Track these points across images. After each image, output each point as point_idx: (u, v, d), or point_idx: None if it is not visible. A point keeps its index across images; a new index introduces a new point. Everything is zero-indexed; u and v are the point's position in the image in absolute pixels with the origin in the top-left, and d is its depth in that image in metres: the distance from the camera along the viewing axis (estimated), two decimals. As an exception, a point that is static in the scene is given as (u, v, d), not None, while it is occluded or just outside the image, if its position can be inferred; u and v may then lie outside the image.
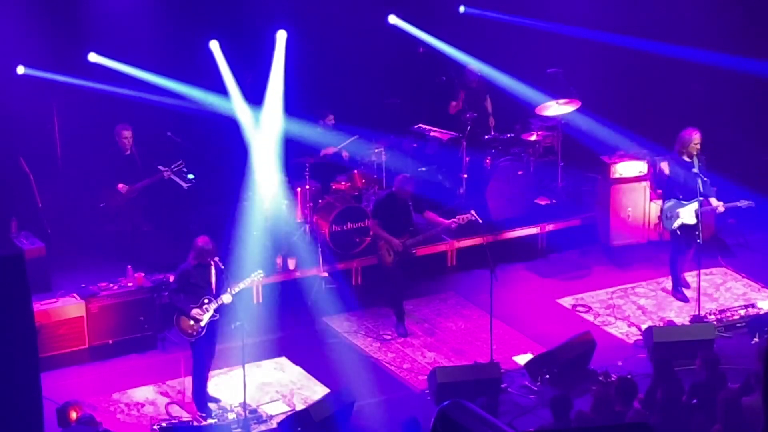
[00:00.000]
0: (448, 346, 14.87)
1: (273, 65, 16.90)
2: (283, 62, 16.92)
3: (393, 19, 17.88)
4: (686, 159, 15.09)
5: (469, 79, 18.01)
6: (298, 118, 17.09)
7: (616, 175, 16.98)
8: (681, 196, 15.17)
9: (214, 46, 16.90)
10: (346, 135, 16.91)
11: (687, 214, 15.23)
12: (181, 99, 16.96)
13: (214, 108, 16.96)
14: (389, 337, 15.05)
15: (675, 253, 15.65)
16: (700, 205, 15.11)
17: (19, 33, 16.58)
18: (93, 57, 16.77)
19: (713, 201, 15.18)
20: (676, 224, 15.28)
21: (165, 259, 15.43)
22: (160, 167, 16.29)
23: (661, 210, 15.54)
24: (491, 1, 18.58)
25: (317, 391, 13.89)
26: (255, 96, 16.97)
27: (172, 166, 16.27)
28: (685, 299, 15.60)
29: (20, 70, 16.32)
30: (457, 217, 14.88)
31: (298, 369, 14.40)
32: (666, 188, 15.46)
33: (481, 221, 14.93)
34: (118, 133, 16.31)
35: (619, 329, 15.15)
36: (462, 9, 18.55)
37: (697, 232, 15.00)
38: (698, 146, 15.04)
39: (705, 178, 15.03)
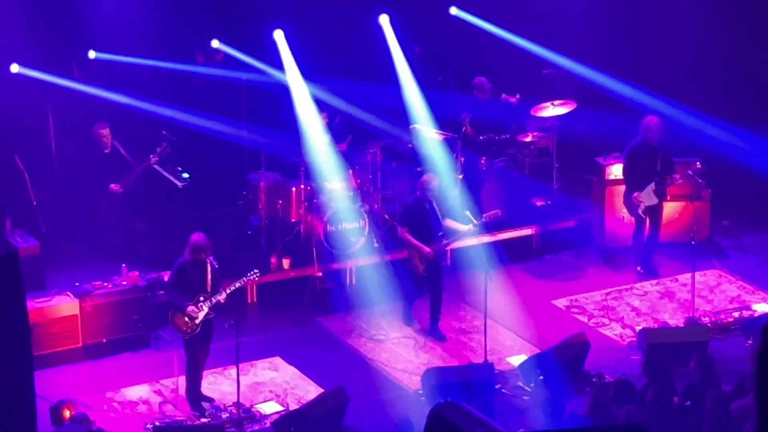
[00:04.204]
0: (442, 346, 14.86)
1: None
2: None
3: (384, 19, 17.83)
4: (650, 143, 16.00)
5: (483, 89, 17.99)
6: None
7: (611, 177, 16.98)
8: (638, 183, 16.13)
9: (216, 43, 17.02)
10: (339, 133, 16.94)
11: (647, 197, 15.98)
12: (177, 110, 16.97)
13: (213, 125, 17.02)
14: (383, 338, 15.05)
15: (639, 235, 16.34)
16: (656, 184, 15.97)
17: (13, 31, 16.55)
18: (92, 54, 16.81)
19: (669, 179, 16.12)
20: (641, 209, 16.07)
21: (160, 258, 15.43)
22: (150, 156, 16.31)
23: (624, 200, 16.31)
24: (481, 7, 18.54)
25: (311, 390, 13.88)
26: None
27: (158, 150, 16.25)
28: (645, 275, 16.27)
29: (14, 68, 16.29)
30: (483, 215, 14.90)
31: (292, 369, 14.39)
32: (627, 183, 16.29)
33: (476, 222, 14.93)
34: (96, 132, 16.33)
35: (613, 331, 15.15)
36: (453, 10, 18.51)
37: (660, 209, 16.22)
38: (658, 131, 15.97)
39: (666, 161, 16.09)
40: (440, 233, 14.85)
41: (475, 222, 14.87)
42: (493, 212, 15.04)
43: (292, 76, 17.02)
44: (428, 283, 14.87)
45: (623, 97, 17.78)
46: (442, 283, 14.97)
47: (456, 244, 15.64)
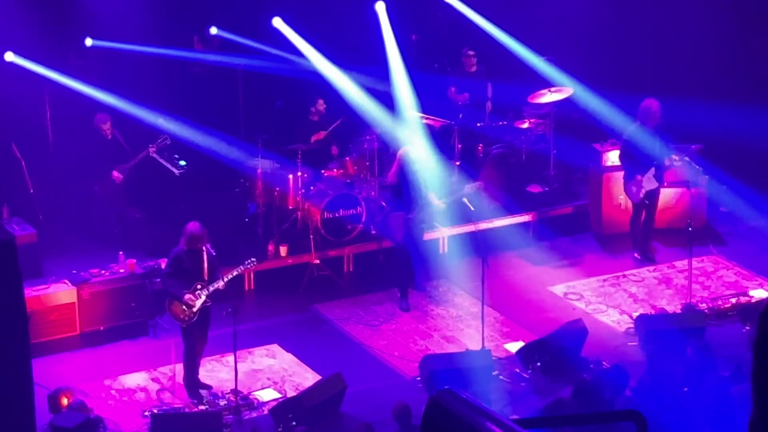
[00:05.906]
0: (440, 333, 14.88)
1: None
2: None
3: (380, 6, 17.79)
4: (649, 128, 15.96)
5: (467, 63, 18.02)
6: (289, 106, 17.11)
7: (608, 163, 16.98)
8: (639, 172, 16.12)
9: (214, 30, 17.08)
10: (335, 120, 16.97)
11: (647, 181, 16.07)
12: (174, 102, 16.97)
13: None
14: (378, 323, 15.06)
15: (637, 221, 16.36)
16: (657, 168, 15.99)
17: (8, 19, 16.50)
18: (89, 42, 16.78)
19: (667, 161, 16.14)
20: (642, 194, 16.11)
21: (157, 246, 15.42)
22: (149, 146, 16.31)
23: (624, 187, 16.27)
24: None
25: (308, 378, 13.90)
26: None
27: (158, 141, 16.24)
28: (643, 262, 16.30)
29: (8, 57, 16.24)
30: (466, 186, 15.14)
31: (290, 356, 14.40)
32: (627, 168, 16.28)
33: (473, 208, 14.94)
34: (97, 124, 16.30)
35: (610, 317, 15.16)
36: None
37: (658, 194, 16.27)
38: (657, 116, 15.94)
39: (664, 145, 16.09)
40: (421, 201, 15.18)
41: (473, 208, 14.90)
42: (476, 183, 15.19)
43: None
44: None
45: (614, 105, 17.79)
46: (422, 251, 15.45)
47: (451, 230, 15.71)
